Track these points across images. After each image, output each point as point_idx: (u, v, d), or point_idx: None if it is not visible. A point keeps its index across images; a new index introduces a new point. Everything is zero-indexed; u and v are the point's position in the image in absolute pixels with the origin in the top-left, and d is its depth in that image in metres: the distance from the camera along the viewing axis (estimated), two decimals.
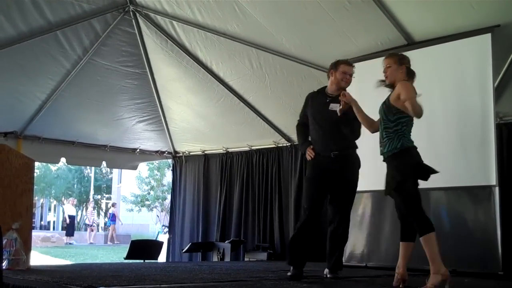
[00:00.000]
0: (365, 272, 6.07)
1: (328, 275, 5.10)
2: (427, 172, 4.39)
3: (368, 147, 6.99)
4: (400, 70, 4.52)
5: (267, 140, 9.39)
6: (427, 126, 6.47)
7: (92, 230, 25.50)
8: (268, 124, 9.07)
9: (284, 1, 6.63)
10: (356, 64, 7.06)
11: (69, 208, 24.96)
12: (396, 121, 4.39)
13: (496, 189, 5.83)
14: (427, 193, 6.35)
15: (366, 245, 6.82)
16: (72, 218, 23.91)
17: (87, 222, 25.36)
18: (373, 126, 4.75)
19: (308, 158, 5.08)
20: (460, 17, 6.06)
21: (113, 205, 27.26)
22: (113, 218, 25.84)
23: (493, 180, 5.85)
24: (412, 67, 6.59)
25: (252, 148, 9.74)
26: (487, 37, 5.95)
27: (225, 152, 10.22)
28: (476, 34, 6.06)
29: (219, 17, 7.25)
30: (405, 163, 4.36)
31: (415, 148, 4.44)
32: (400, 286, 4.42)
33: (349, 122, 4.98)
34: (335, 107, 4.95)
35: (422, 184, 6.33)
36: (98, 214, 37.32)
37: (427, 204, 6.39)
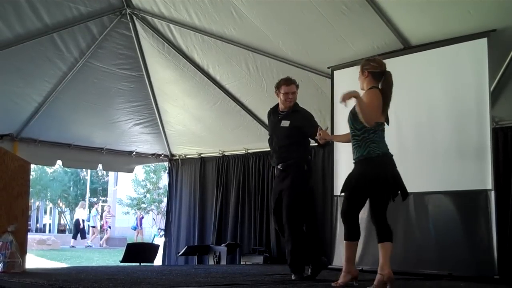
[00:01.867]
0: (361, 275, 6.05)
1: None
2: (392, 187, 4.42)
3: None
4: (363, 77, 4.56)
5: (263, 143, 9.27)
6: (423, 130, 6.50)
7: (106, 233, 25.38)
8: (264, 127, 9.06)
9: (281, 5, 6.63)
10: (352, 68, 7.11)
11: (81, 212, 25.01)
12: (363, 129, 4.39)
13: (492, 193, 5.83)
14: (422, 197, 6.39)
15: (361, 249, 6.81)
16: (83, 222, 24.08)
17: (104, 225, 25.24)
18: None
19: None
20: (456, 21, 6.08)
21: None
22: (140, 222, 25.85)
23: (489, 184, 5.86)
24: (408, 71, 6.64)
25: (249, 151, 9.73)
26: (483, 41, 5.97)
27: (221, 155, 10.22)
28: (472, 39, 6.08)
29: (216, 20, 7.26)
30: (364, 173, 4.39)
31: (386, 155, 4.44)
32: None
33: (299, 139, 5.38)
34: (285, 123, 5.38)
35: (419, 188, 6.38)
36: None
37: (423, 208, 6.41)
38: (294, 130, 5.33)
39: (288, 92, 5.34)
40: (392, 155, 4.49)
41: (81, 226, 23.60)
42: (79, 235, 23.42)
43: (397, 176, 4.44)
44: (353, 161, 4.49)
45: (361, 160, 4.40)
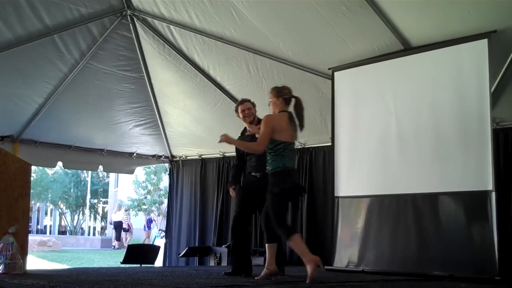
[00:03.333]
0: (362, 276, 6.06)
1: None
2: (296, 192, 5.21)
3: (369, 154, 7.06)
4: (278, 102, 5.16)
5: None
6: (423, 131, 6.50)
7: (127, 235, 25.34)
8: None
9: (282, 6, 6.63)
10: (353, 69, 7.15)
11: (118, 214, 25.08)
12: (274, 148, 5.01)
13: (493, 194, 5.82)
14: (423, 198, 6.39)
15: (362, 250, 6.82)
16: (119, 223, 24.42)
17: (124, 226, 25.20)
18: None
19: None
20: (457, 22, 6.08)
21: (152, 211, 27.22)
22: (149, 223, 25.73)
23: (490, 185, 5.85)
24: (408, 72, 6.67)
25: None
26: (484, 42, 5.97)
27: (222, 156, 10.21)
28: (473, 40, 6.07)
29: (216, 21, 7.26)
30: (283, 181, 5.01)
31: (291, 169, 5.07)
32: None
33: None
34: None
35: (419, 189, 6.39)
36: (95, 219, 37.24)
37: (424, 209, 6.41)
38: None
39: (244, 110, 6.01)
40: (296, 170, 5.27)
41: (124, 227, 24.28)
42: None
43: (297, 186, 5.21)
44: (270, 171, 5.06)
45: (272, 174, 5.02)
